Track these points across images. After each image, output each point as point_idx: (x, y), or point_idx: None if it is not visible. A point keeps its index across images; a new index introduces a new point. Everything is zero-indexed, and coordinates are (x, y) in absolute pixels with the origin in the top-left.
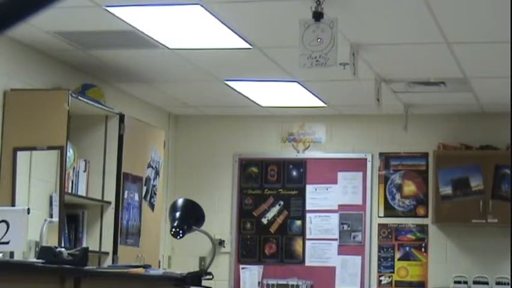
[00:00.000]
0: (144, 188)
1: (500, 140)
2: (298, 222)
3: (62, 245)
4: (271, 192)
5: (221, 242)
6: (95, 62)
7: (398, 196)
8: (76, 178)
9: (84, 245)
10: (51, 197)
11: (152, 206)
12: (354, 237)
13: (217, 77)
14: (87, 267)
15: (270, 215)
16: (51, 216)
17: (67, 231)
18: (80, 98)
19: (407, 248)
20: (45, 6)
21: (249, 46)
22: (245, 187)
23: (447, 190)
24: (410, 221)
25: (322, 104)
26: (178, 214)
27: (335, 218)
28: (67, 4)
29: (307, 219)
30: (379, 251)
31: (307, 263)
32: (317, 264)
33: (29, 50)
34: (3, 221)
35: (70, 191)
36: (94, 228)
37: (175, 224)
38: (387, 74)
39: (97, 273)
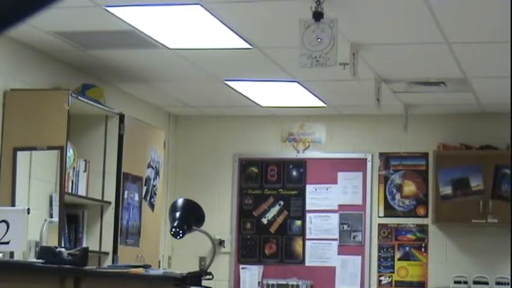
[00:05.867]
0: (144, 188)
1: (500, 140)
2: (298, 222)
3: (62, 245)
4: (271, 192)
5: (221, 242)
6: (95, 62)
7: (398, 196)
8: (76, 178)
9: (84, 245)
10: (51, 197)
11: (152, 206)
12: (354, 237)
13: (217, 77)
14: (87, 267)
15: (270, 215)
16: (51, 216)
17: (66, 231)
18: (80, 98)
19: (407, 248)
20: (46, 6)
21: (249, 46)
22: (245, 187)
23: (447, 190)
24: (410, 221)
25: (322, 104)
26: (178, 214)
27: (335, 218)
28: (67, 4)
29: (307, 219)
30: (379, 251)
31: (307, 263)
32: (317, 264)
33: (29, 50)
34: (3, 221)
35: (70, 191)
36: (94, 228)
37: (175, 224)
38: (387, 74)
39: (97, 273)
